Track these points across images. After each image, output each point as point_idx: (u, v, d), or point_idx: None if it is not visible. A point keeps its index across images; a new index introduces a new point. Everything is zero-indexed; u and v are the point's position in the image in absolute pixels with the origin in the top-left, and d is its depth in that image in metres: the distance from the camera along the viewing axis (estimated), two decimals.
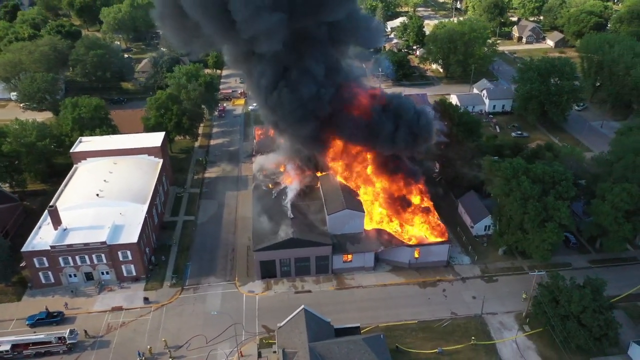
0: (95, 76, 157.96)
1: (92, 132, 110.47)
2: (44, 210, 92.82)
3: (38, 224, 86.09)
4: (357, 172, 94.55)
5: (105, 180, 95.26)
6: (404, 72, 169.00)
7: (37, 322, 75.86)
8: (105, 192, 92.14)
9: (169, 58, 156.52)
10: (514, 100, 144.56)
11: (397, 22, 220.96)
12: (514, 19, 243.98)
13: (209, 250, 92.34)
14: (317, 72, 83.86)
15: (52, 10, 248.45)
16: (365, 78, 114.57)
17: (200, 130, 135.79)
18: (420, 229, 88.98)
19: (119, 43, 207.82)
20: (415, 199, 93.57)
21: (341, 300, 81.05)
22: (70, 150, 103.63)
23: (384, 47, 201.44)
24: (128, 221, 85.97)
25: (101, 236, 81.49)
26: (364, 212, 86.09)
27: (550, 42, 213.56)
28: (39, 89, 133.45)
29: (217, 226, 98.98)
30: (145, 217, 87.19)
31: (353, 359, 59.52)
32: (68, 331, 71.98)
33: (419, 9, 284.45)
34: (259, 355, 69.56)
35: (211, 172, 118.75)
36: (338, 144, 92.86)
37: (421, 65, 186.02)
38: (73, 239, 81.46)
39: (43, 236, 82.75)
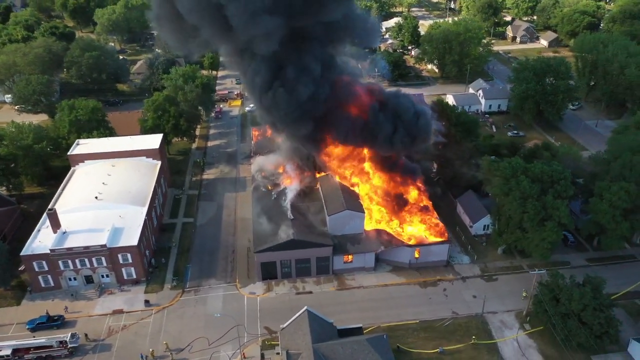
0: (90, 78, 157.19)
1: (89, 135, 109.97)
2: (41, 214, 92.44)
3: (37, 227, 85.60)
4: (354, 170, 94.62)
5: (103, 183, 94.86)
6: (399, 72, 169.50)
7: (38, 326, 75.44)
8: (104, 194, 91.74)
9: (165, 59, 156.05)
10: (510, 99, 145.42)
11: (391, 22, 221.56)
12: (508, 18, 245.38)
13: (209, 252, 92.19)
14: (312, 70, 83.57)
15: (44, 11, 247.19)
16: (362, 78, 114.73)
17: (197, 132, 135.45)
18: (419, 229, 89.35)
19: (113, 44, 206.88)
20: (414, 196, 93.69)
21: (342, 301, 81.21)
22: (68, 153, 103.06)
23: (379, 47, 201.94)
24: (128, 224, 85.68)
25: (101, 239, 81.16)
26: (364, 212, 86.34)
27: (544, 42, 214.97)
28: (34, 91, 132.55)
29: (216, 228, 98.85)
30: (145, 220, 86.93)
31: (357, 359, 59.70)
32: (69, 335, 71.70)
33: (413, 9, 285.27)
34: (262, 356, 69.64)
35: (209, 174, 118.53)
36: (335, 144, 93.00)
37: (417, 66, 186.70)
38: (73, 242, 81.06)
39: (42, 240, 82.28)
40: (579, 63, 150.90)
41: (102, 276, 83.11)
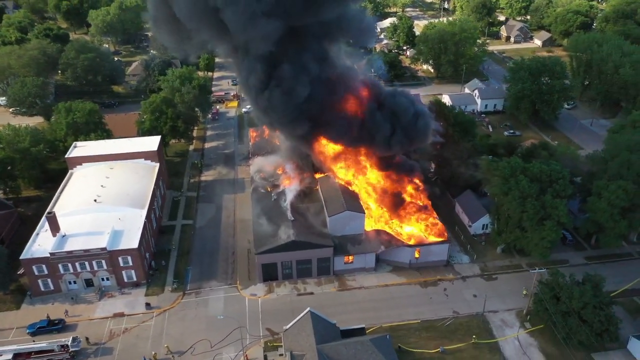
0: (86, 80, 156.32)
1: (86, 137, 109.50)
2: (39, 217, 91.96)
3: (36, 230, 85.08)
4: (351, 165, 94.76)
5: (102, 186, 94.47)
6: (395, 72, 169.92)
7: (38, 330, 74.98)
8: (103, 197, 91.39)
9: (161, 61, 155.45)
10: (506, 99, 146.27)
11: (386, 22, 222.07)
12: (502, 18, 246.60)
13: (209, 254, 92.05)
14: (308, 68, 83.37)
15: (37, 13, 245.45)
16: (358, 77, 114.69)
17: (194, 134, 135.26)
18: (419, 229, 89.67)
19: (107, 46, 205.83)
20: (411, 193, 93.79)
21: (343, 302, 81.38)
22: (66, 156, 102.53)
23: (375, 47, 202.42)
24: (127, 226, 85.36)
25: (101, 242, 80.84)
26: (364, 213, 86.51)
27: (537, 42, 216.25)
28: (29, 94, 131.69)
29: (216, 229, 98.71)
30: (145, 222, 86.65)
31: None
32: (71, 339, 71.30)
33: (407, 9, 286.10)
34: (265, 358, 69.60)
35: (207, 176, 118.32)
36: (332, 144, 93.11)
37: (412, 66, 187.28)
38: (72, 245, 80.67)
39: (41, 243, 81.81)
40: (574, 62, 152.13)
41: (103, 279, 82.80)
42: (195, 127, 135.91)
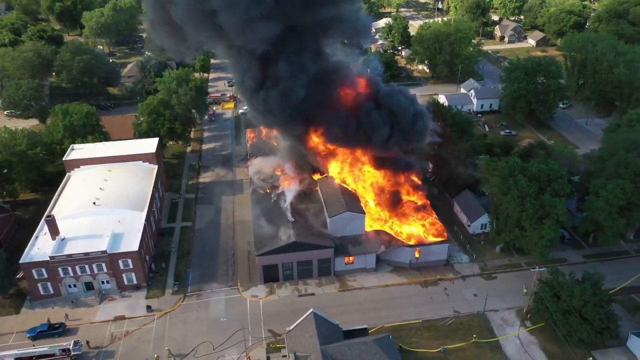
0: (81, 82, 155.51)
1: (84, 140, 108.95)
2: (36, 220, 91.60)
3: (34, 234, 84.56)
4: (348, 165, 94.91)
5: (101, 188, 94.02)
6: (391, 72, 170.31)
7: (39, 334, 74.58)
8: (102, 200, 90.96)
9: (157, 62, 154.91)
10: (501, 99, 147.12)
11: (381, 23, 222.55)
12: (495, 18, 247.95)
13: (209, 256, 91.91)
14: (303, 67, 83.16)
15: (30, 14, 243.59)
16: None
17: (191, 135, 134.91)
18: (418, 229, 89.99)
19: (101, 47, 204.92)
20: (409, 191, 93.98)
21: (345, 302, 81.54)
22: (63, 158, 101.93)
23: (370, 48, 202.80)
24: (127, 229, 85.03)
25: (101, 245, 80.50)
26: (364, 214, 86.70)
27: (531, 41, 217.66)
28: (24, 96, 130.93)
29: (215, 231, 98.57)
30: (145, 225, 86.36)
31: None
32: (72, 342, 71.02)
33: (401, 9, 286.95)
34: (268, 359, 69.60)
35: (205, 177, 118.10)
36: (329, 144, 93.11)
37: (408, 66, 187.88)
38: (72, 248, 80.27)
39: (41, 247, 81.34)
40: (568, 62, 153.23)
41: (103, 282, 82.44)
42: (192, 129, 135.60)
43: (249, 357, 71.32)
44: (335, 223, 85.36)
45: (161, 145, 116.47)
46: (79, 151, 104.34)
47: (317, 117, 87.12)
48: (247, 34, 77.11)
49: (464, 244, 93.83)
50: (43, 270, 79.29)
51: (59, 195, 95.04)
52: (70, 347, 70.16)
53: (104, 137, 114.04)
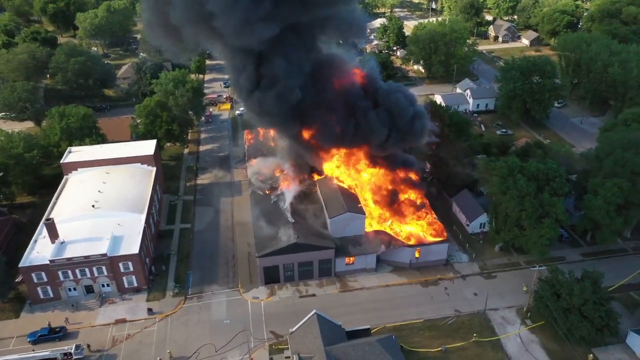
0: (76, 84, 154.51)
1: (81, 142, 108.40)
2: (34, 223, 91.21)
3: (33, 237, 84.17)
4: (345, 163, 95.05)
5: (99, 191, 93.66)
6: (387, 73, 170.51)
7: (39, 338, 74.17)
8: (101, 202, 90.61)
9: (153, 64, 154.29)
10: (497, 99, 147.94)
11: (375, 23, 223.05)
12: (489, 18, 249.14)
13: (209, 258, 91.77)
14: (299, 65, 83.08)
15: (22, 16, 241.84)
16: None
17: (188, 137, 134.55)
18: (418, 228, 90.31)
19: (95, 49, 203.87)
20: (407, 190, 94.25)
21: (346, 303, 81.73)
22: (61, 161, 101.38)
23: (365, 48, 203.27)
24: (127, 232, 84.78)
25: (101, 248, 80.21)
26: (364, 214, 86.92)
27: (525, 41, 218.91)
28: (19, 99, 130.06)
29: (214, 233, 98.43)
30: (144, 227, 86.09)
31: None
32: (74, 346, 70.78)
33: (395, 9, 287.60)
34: None
35: (203, 179, 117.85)
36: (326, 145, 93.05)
37: (403, 66, 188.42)
38: (72, 252, 79.91)
39: (40, 250, 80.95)
40: (562, 62, 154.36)
41: (103, 285, 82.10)
42: (190, 131, 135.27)
43: (252, 358, 71.35)
44: (336, 224, 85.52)
45: (159, 147, 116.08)
46: (76, 154, 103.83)
47: (313, 116, 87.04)
48: (245, 36, 77.11)
49: (463, 244, 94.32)
50: (43, 273, 78.89)
51: (57, 198, 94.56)
52: (72, 351, 69.89)
53: (101, 139, 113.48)
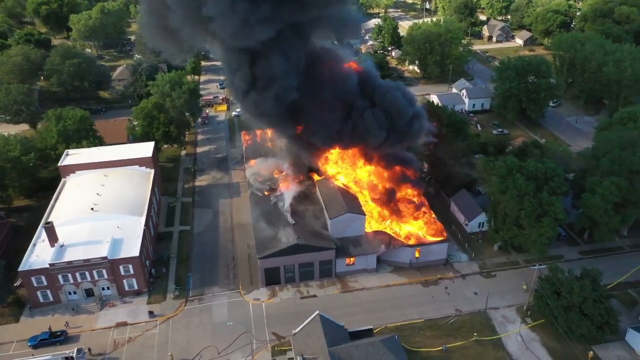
0: (72, 86, 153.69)
1: (78, 145, 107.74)
2: (31, 227, 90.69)
3: (32, 241, 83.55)
4: (342, 162, 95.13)
5: (98, 194, 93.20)
6: (383, 73, 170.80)
7: (40, 342, 73.69)
8: (100, 205, 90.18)
9: (148, 65, 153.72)
10: (493, 98, 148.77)
11: (370, 23, 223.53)
12: (483, 18, 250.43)
13: (209, 260, 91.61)
14: (294, 64, 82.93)
15: (15, 17, 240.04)
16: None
17: (186, 138, 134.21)
18: (418, 228, 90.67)
19: (89, 50, 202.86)
20: (404, 188, 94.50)
21: (347, 303, 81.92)
22: (58, 164, 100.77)
23: (360, 49, 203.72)
24: (127, 234, 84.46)
25: (101, 251, 79.86)
26: (364, 215, 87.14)
27: (519, 41, 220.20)
28: (15, 101, 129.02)
29: (214, 235, 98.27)
30: (144, 229, 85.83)
31: None
32: (75, 350, 70.35)
33: (389, 10, 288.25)
34: None
35: (201, 180, 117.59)
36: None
37: (399, 67, 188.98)
38: (72, 255, 79.46)
39: (39, 254, 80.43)
40: (557, 61, 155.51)
41: (103, 289, 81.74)
42: (187, 132, 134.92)
43: None
44: (336, 224, 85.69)
45: (156, 149, 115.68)
46: (74, 156, 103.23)
47: (310, 114, 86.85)
48: (244, 38, 77.07)
49: (463, 243, 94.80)
50: (42, 277, 78.39)
51: (55, 202, 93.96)
52: (74, 355, 69.47)
53: (99, 141, 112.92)
